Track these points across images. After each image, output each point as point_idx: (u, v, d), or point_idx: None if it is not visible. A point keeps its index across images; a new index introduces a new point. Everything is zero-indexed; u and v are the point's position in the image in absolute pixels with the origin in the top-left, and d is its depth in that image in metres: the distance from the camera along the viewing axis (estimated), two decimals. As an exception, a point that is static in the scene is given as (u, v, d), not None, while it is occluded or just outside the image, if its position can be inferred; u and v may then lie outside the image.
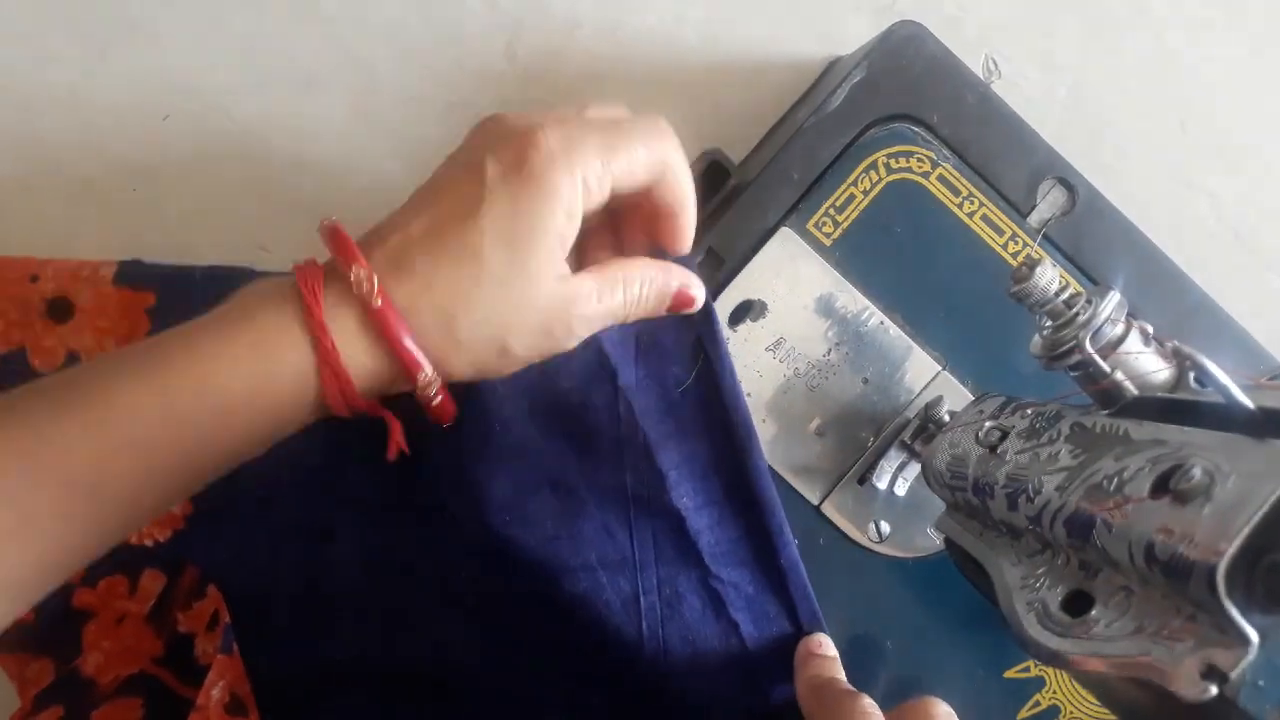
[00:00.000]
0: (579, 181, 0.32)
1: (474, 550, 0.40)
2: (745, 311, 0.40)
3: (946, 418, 0.39)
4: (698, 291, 0.37)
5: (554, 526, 0.39)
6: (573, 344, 0.35)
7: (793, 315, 0.40)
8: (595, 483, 0.39)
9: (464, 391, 0.37)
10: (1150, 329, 0.32)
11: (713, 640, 0.39)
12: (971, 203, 0.41)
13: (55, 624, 0.42)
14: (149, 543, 0.43)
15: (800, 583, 0.39)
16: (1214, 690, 0.22)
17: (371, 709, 0.42)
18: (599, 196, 0.33)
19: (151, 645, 0.42)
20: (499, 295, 0.32)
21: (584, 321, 0.34)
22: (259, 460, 0.39)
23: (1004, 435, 0.34)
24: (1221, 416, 0.27)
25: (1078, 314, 0.32)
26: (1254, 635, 0.22)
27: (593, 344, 0.38)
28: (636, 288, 0.35)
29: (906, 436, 0.40)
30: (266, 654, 0.41)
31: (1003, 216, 0.41)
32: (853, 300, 0.41)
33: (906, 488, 0.40)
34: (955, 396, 0.41)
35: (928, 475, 0.37)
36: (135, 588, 0.43)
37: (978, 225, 0.41)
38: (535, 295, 0.32)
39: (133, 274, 0.41)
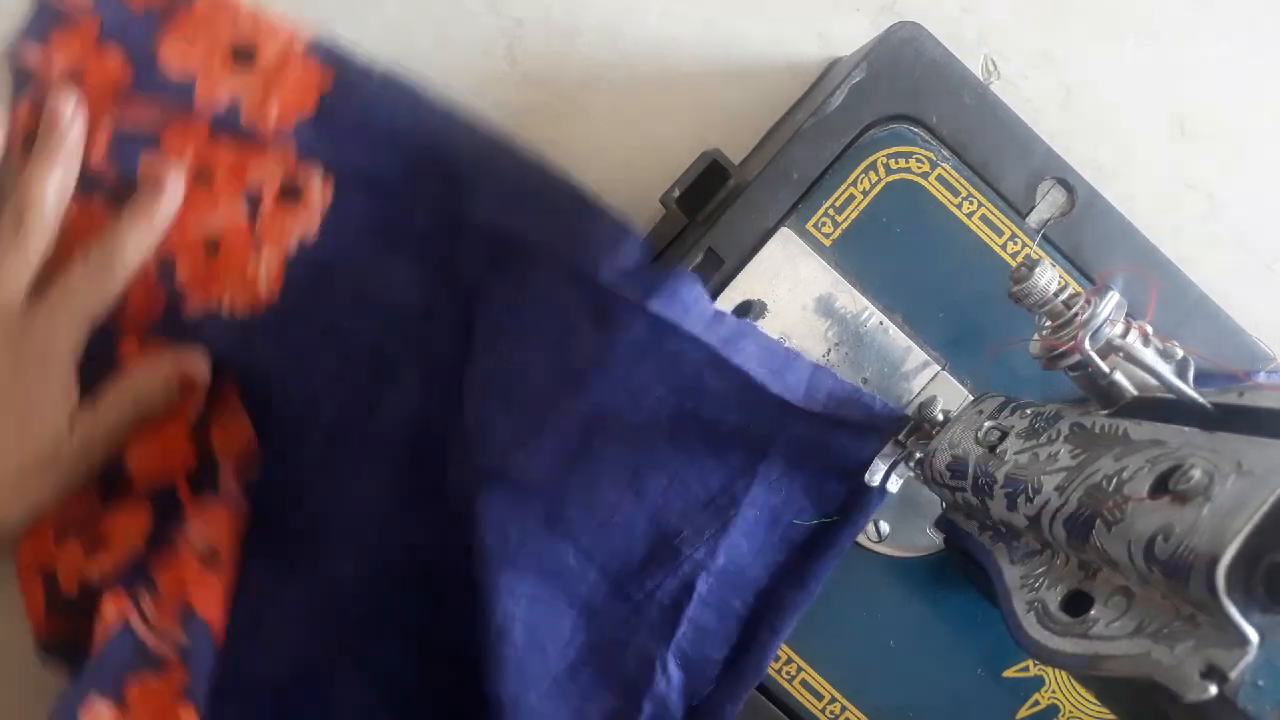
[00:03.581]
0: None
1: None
2: (745, 312, 0.40)
3: (940, 416, 0.39)
4: (199, 367, 0.41)
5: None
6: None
7: (792, 315, 0.40)
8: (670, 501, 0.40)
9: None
10: (1149, 329, 0.32)
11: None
12: (971, 203, 0.41)
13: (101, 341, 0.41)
14: (226, 313, 0.42)
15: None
16: (1214, 690, 0.22)
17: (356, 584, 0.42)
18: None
19: (187, 457, 0.42)
20: None
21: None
22: (351, 288, 0.42)
23: (1003, 435, 0.34)
24: (1220, 417, 0.27)
25: (1076, 314, 0.32)
26: (1254, 635, 0.22)
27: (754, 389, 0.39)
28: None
29: (900, 435, 0.40)
30: (284, 490, 0.42)
31: (1002, 217, 0.41)
32: (852, 300, 0.41)
33: (899, 485, 0.40)
34: (955, 397, 0.41)
35: (926, 475, 0.37)
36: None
37: (977, 225, 0.41)
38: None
39: (324, 51, 0.41)
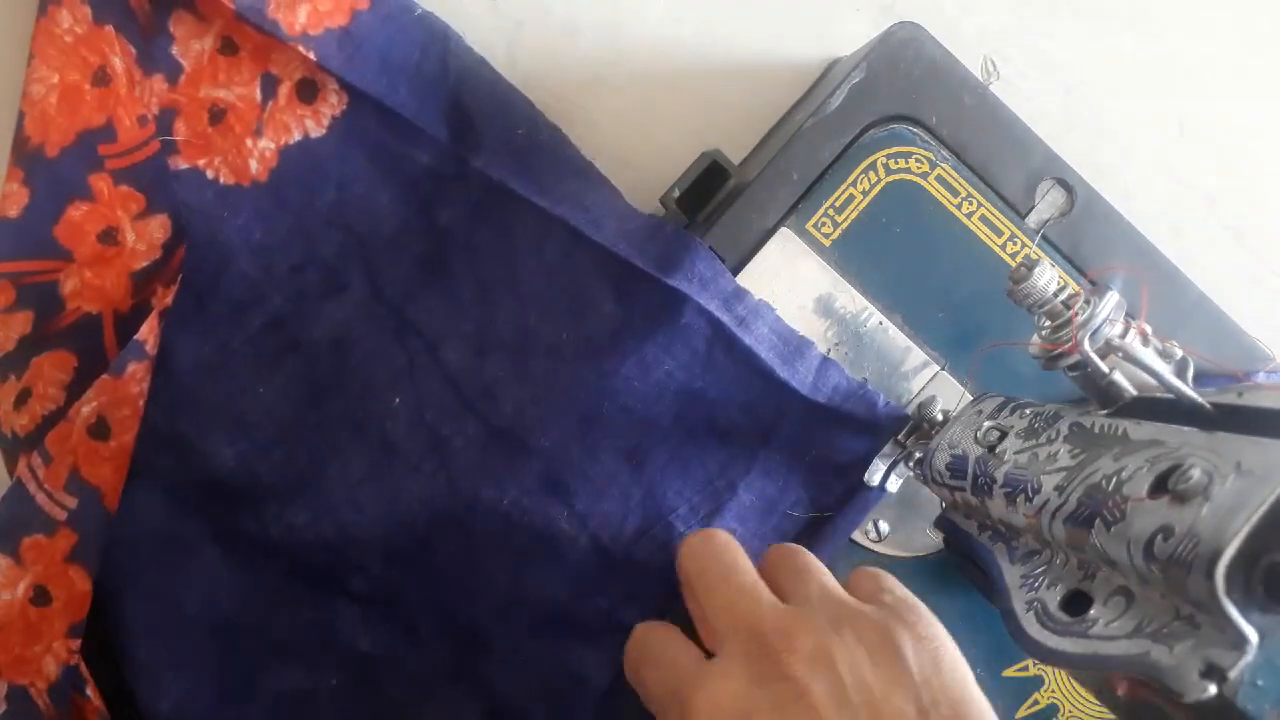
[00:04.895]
0: None
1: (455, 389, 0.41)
2: (745, 312, 0.40)
3: (939, 416, 0.39)
4: None
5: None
6: None
7: (792, 315, 0.40)
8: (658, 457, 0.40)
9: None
10: (1149, 329, 0.32)
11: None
12: (970, 203, 0.41)
13: (75, 166, 0.40)
14: (211, 176, 0.42)
15: None
16: (1213, 690, 0.22)
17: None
18: None
19: (122, 300, 0.42)
20: None
21: None
22: (333, 199, 0.42)
23: (1003, 435, 0.34)
24: (1219, 417, 0.27)
25: (1076, 314, 0.32)
26: (1253, 635, 0.22)
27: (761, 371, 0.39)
28: None
29: (900, 435, 0.40)
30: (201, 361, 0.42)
31: (1001, 217, 0.41)
32: (852, 300, 0.41)
33: (899, 485, 0.40)
34: (954, 396, 0.41)
35: (926, 475, 0.37)
36: (145, 212, 0.41)
37: (976, 226, 0.41)
38: None
39: None
